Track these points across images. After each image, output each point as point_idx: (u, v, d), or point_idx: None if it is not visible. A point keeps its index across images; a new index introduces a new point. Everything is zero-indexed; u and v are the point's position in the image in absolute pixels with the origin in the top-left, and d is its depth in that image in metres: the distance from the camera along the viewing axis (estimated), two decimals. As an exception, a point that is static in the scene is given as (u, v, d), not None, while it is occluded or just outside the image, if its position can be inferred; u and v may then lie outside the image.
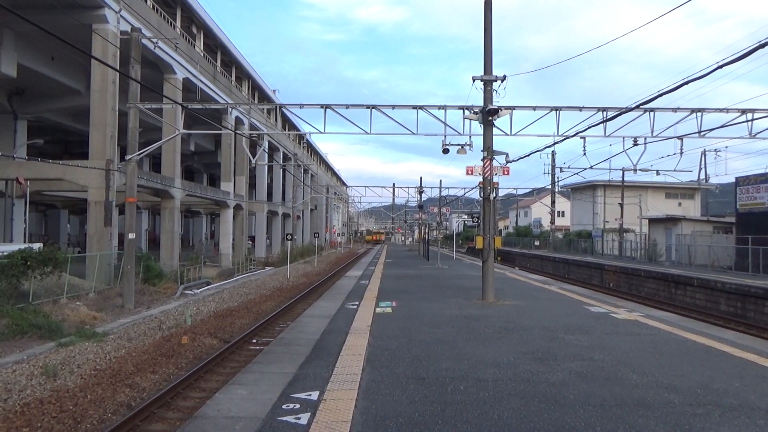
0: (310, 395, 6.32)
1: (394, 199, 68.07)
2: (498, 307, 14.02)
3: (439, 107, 17.75)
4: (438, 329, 10.67)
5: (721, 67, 11.88)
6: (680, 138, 19.43)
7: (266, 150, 44.17)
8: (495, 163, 15.90)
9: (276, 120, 47.13)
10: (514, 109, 16.82)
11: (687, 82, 13.06)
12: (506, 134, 17.45)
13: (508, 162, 18.49)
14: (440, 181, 51.91)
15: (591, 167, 30.00)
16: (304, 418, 5.54)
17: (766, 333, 16.73)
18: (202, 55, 33.20)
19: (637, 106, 16.62)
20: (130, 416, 8.35)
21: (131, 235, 18.69)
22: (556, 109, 17.50)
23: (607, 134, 18.51)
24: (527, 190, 69.24)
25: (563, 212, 72.41)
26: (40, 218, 48.25)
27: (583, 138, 19.26)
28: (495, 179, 15.88)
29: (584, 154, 25.16)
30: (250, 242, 47.66)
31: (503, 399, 6.17)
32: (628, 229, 45.57)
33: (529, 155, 23.77)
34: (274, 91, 52.79)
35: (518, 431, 5.21)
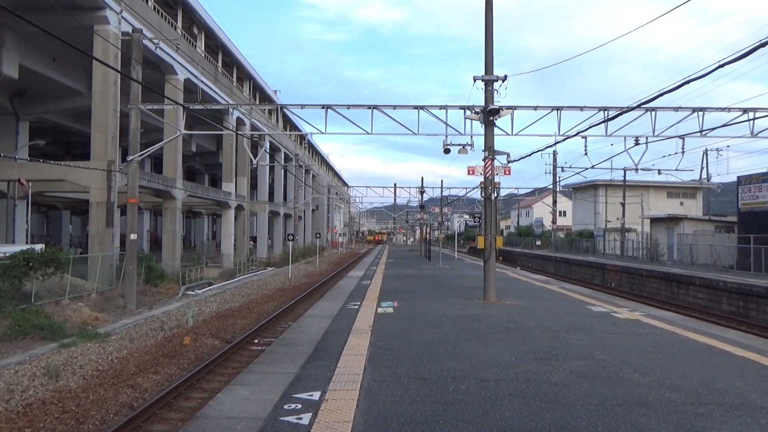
0: (312, 395, 6.32)
1: (395, 199, 68.09)
2: (499, 307, 14.01)
3: (440, 107, 17.75)
4: (439, 329, 10.67)
5: (722, 66, 11.87)
6: (682, 137, 19.40)
7: (267, 150, 44.19)
8: (496, 163, 15.91)
9: (277, 120, 47.16)
10: (515, 109, 16.82)
11: (688, 82, 13.05)
12: (507, 134, 17.45)
13: (509, 162, 18.49)
14: (441, 181, 52.45)
15: (592, 167, 30.11)
16: (305, 419, 5.54)
17: (769, 332, 16.72)
18: (203, 55, 33.24)
19: (638, 106, 16.60)
20: (132, 417, 8.37)
21: (133, 236, 18.72)
22: (558, 108, 17.49)
23: (608, 134, 18.49)
24: (529, 190, 69.27)
25: (565, 212, 72.36)
26: (42, 219, 48.33)
27: (585, 138, 19.24)
28: (496, 179, 15.88)
29: (585, 153, 25.09)
30: (252, 243, 47.68)
31: (505, 399, 6.17)
32: (630, 229, 45.52)
33: (530, 155, 23.81)
34: (276, 91, 52.83)
35: (520, 431, 5.21)
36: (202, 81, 30.82)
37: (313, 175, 70.10)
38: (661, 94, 14.25)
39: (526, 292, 18.25)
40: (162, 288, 22.48)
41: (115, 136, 22.56)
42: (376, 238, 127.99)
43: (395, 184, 59.90)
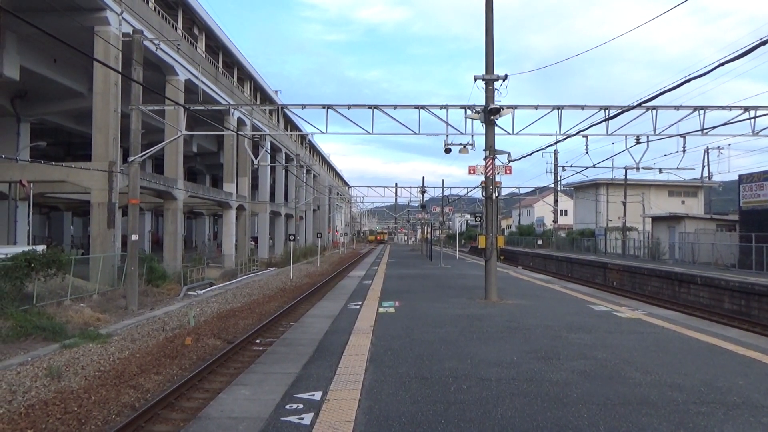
0: (314, 395, 6.32)
1: (396, 198, 68.10)
2: (501, 307, 14.00)
3: (441, 107, 17.75)
4: (441, 329, 10.66)
5: (722, 64, 11.84)
6: (683, 136, 19.41)
7: (268, 151, 44.20)
8: (497, 163, 15.89)
9: (278, 121, 47.18)
10: (515, 108, 16.81)
11: (689, 80, 13.02)
12: (508, 133, 17.45)
13: (510, 161, 18.46)
14: (442, 180, 52.38)
15: (593, 166, 30.13)
16: (307, 419, 5.55)
17: (771, 331, 16.69)
18: (203, 56, 33.25)
19: (639, 105, 16.58)
20: (134, 417, 8.38)
21: (134, 237, 18.73)
22: (558, 107, 17.48)
23: (609, 133, 18.50)
24: (530, 189, 69.08)
25: (566, 211, 72.33)
26: (43, 220, 48.39)
27: (586, 137, 19.25)
28: (497, 178, 15.88)
29: (587, 152, 25.00)
30: (253, 243, 47.71)
31: (506, 398, 6.17)
32: (631, 228, 45.48)
33: (531, 154, 23.74)
34: (276, 92, 52.85)
35: (522, 430, 5.20)
36: (202, 81, 30.85)
37: (314, 175, 70.12)
38: (662, 93, 14.21)
39: (527, 291, 18.24)
40: (163, 288, 22.51)
41: (116, 137, 22.57)
42: (378, 238, 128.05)
43: (396, 184, 59.96)
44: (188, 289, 23.36)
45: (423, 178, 53.33)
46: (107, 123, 22.03)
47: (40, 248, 17.69)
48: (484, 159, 15.46)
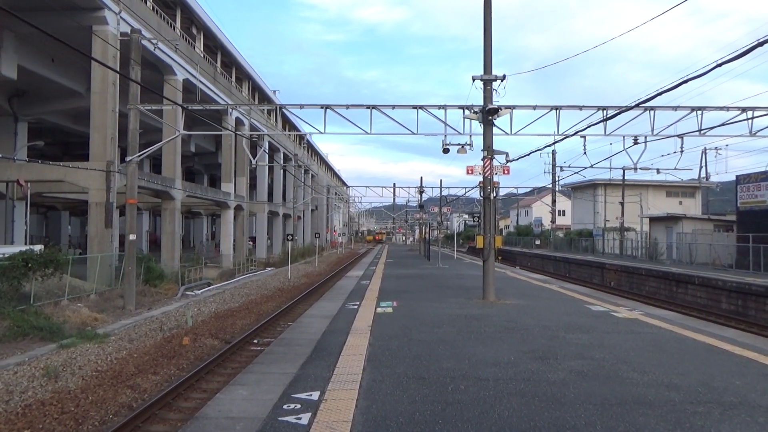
0: (311, 395, 6.32)
1: (394, 198, 68.11)
2: (499, 307, 14.01)
3: (439, 107, 17.75)
4: (439, 329, 10.67)
5: (720, 65, 11.87)
6: (680, 136, 19.42)
7: (266, 151, 44.19)
8: (495, 163, 15.91)
9: (276, 121, 47.15)
10: (514, 108, 16.82)
11: (686, 81, 13.05)
12: (506, 133, 17.45)
13: (508, 161, 18.51)
14: (441, 180, 52.37)
15: (591, 166, 30.07)
16: (305, 418, 5.55)
17: (767, 331, 16.73)
18: (202, 56, 33.22)
19: (637, 105, 16.60)
20: (132, 417, 8.36)
21: (132, 237, 18.71)
22: (556, 108, 17.50)
23: (607, 133, 18.52)
24: (528, 190, 69.11)
25: (564, 211, 72.38)
26: (41, 220, 48.32)
27: (584, 137, 19.26)
28: (495, 178, 15.89)
29: (584, 153, 25.15)
30: (251, 243, 47.67)
31: (504, 398, 6.18)
32: (629, 228, 45.55)
33: (529, 154, 23.76)
34: (275, 91, 52.82)
35: (519, 430, 5.21)
36: (201, 81, 30.84)
37: (312, 175, 70.09)
38: (660, 94, 14.24)
39: (525, 291, 18.25)
40: (161, 288, 22.48)
41: (114, 137, 22.54)
42: (376, 238, 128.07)
43: (394, 184, 59.88)
44: (186, 289, 23.33)
45: (421, 178, 53.52)
46: (105, 122, 22.00)
47: (38, 248, 17.66)
48: (483, 159, 15.48)
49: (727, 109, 17.81)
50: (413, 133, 18.47)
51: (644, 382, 6.90)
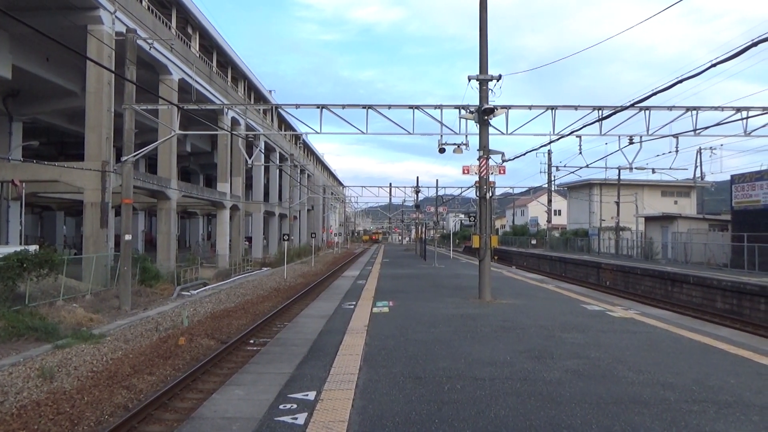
0: (307, 395, 6.32)
1: (390, 198, 68.21)
2: (495, 306, 14.03)
3: (435, 107, 17.77)
4: (435, 328, 10.68)
5: (715, 65, 11.90)
6: (675, 136, 19.50)
7: (262, 150, 44.14)
8: (491, 162, 15.91)
9: (272, 120, 47.09)
10: (509, 108, 16.85)
11: (681, 81, 13.08)
12: (502, 133, 17.48)
13: (504, 161, 18.49)
14: (437, 180, 52.35)
15: (587, 166, 30.25)
16: (301, 418, 5.54)
17: (762, 330, 16.81)
18: (197, 55, 33.15)
19: (632, 105, 16.64)
20: (127, 418, 8.35)
21: (127, 237, 18.66)
22: (552, 108, 17.53)
23: (602, 133, 18.55)
24: (524, 189, 69.20)
25: (560, 211, 72.54)
26: (35, 220, 48.11)
27: (579, 137, 19.32)
28: (491, 178, 15.90)
29: (580, 152, 25.02)
30: (247, 243, 47.59)
31: (500, 397, 6.19)
32: (625, 228, 45.67)
33: (525, 154, 23.79)
34: (271, 91, 52.78)
35: (515, 429, 5.22)
36: (196, 81, 30.79)
37: (308, 175, 70.03)
38: (655, 93, 14.27)
39: (521, 291, 18.28)
40: (157, 288, 22.43)
41: (110, 137, 22.47)
42: (372, 237, 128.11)
43: (390, 184, 59.98)
44: (182, 289, 23.29)
45: (417, 178, 53.72)
46: (100, 122, 21.93)
47: (33, 248, 17.60)
48: (478, 159, 15.49)
49: (722, 109, 17.88)
50: (409, 133, 18.49)
51: (640, 381, 6.92)
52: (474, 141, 16.20)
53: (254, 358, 9.01)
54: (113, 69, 21.20)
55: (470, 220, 39.43)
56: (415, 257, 45.45)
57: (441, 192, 54.04)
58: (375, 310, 13.22)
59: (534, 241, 61.34)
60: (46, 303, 16.33)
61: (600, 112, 17.52)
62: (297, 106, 19.27)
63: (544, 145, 40.08)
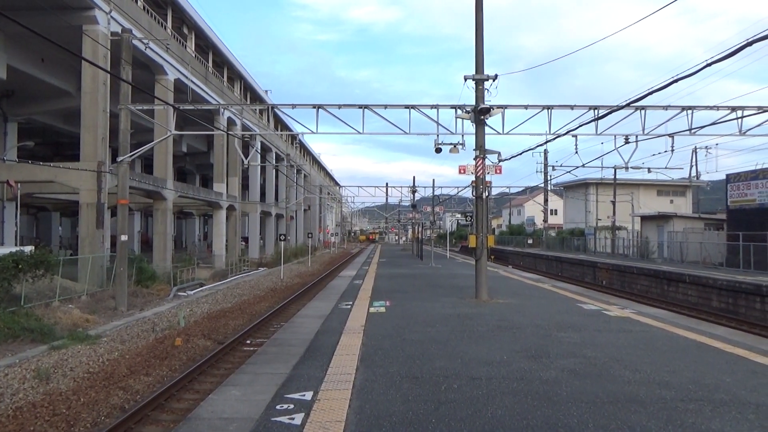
0: (304, 395, 6.32)
1: (387, 198, 68.12)
2: (491, 306, 14.05)
3: (432, 107, 17.78)
4: (431, 328, 10.69)
5: (710, 64, 11.96)
6: (671, 135, 19.55)
7: (259, 150, 44.07)
8: (487, 162, 15.95)
9: (268, 120, 47.06)
10: (505, 108, 16.88)
11: (677, 80, 13.13)
12: (498, 133, 17.51)
13: (500, 161, 18.54)
14: (433, 180, 52.26)
15: (583, 165, 30.31)
16: (298, 419, 5.54)
17: (757, 329, 16.87)
18: (193, 55, 33.10)
19: (628, 104, 16.69)
20: (124, 419, 8.33)
21: (123, 237, 18.62)
22: (548, 107, 17.56)
23: (598, 132, 18.61)
24: (520, 189, 69.42)
25: (556, 210, 72.68)
26: (31, 221, 47.97)
27: (575, 136, 19.38)
28: (487, 178, 15.94)
29: (576, 152, 25.23)
30: (244, 243, 47.54)
31: (496, 397, 6.20)
32: (621, 227, 45.78)
33: (521, 154, 23.84)
34: (267, 91, 52.71)
35: (512, 429, 5.23)
36: (192, 81, 30.69)
37: (304, 175, 69.98)
38: (651, 93, 14.32)
39: (517, 290, 18.31)
40: (153, 289, 22.37)
41: (105, 137, 22.42)
42: (369, 237, 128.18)
43: (387, 184, 60.05)
44: (178, 289, 23.24)
45: (414, 177, 53.44)
46: (96, 123, 21.86)
47: (28, 249, 17.55)
48: (475, 159, 15.51)
49: (717, 108, 17.94)
50: (406, 133, 18.49)
51: (636, 380, 6.94)
52: (470, 141, 16.22)
53: (251, 358, 9.00)
54: (109, 69, 21.13)
55: (467, 220, 39.51)
56: (412, 257, 45.47)
57: (437, 192, 54.04)
58: (372, 310, 13.23)
59: (530, 241, 61.43)
60: (42, 304, 16.27)
61: (596, 111, 17.56)
62: (293, 106, 19.25)
63: (540, 145, 40.18)
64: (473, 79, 15.15)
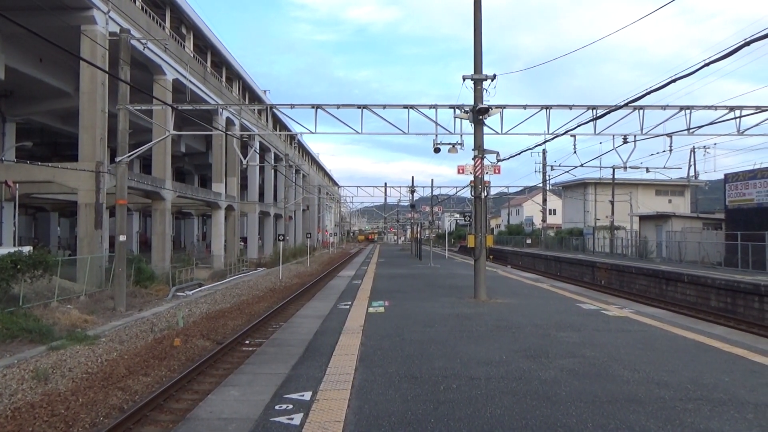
0: (303, 395, 6.31)
1: (386, 198, 68.05)
2: (490, 306, 14.05)
3: (430, 107, 17.77)
4: (430, 328, 10.69)
5: (708, 64, 11.97)
6: (669, 135, 19.55)
7: (257, 151, 44.06)
8: (486, 162, 15.94)
9: (267, 121, 47.02)
10: (504, 108, 16.87)
11: (675, 80, 13.14)
12: (497, 133, 17.51)
13: (499, 161, 18.55)
14: (432, 180, 52.27)
15: (581, 165, 30.27)
16: (296, 419, 5.54)
17: (755, 328, 16.90)
18: (191, 55, 33.07)
19: (626, 104, 16.70)
20: (123, 419, 8.32)
21: (122, 238, 18.60)
22: (546, 107, 17.57)
23: (597, 132, 18.61)
24: (519, 189, 69.40)
25: (555, 210, 72.72)
26: (29, 221, 47.90)
27: (574, 136, 19.37)
28: (486, 178, 15.94)
29: (575, 152, 25.31)
30: (242, 243, 47.51)
31: (495, 397, 6.20)
32: (619, 227, 45.82)
33: (519, 154, 23.85)
34: (265, 91, 52.70)
35: (511, 428, 5.23)
36: (190, 81, 30.69)
37: (303, 175, 69.95)
38: (649, 93, 14.33)
39: (516, 290, 18.32)
40: (152, 289, 22.35)
41: (104, 137, 22.40)
42: (368, 237, 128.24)
43: (386, 184, 59.93)
44: (177, 289, 23.22)
45: (412, 177, 53.42)
46: (94, 123, 21.85)
47: (27, 249, 17.53)
48: (473, 159, 15.51)
49: (715, 108, 17.95)
50: (404, 133, 18.49)
51: (635, 379, 6.95)
52: (469, 141, 16.23)
53: (250, 358, 8.99)
54: (107, 69, 21.11)
55: (465, 220, 39.49)
56: (411, 257, 45.46)
57: (436, 192, 54.08)
58: (371, 310, 13.22)
59: (529, 241, 61.43)
60: (41, 304, 16.26)
61: (594, 111, 17.57)
62: (292, 106, 19.24)
63: (539, 145, 40.13)
64: (472, 79, 15.16)
